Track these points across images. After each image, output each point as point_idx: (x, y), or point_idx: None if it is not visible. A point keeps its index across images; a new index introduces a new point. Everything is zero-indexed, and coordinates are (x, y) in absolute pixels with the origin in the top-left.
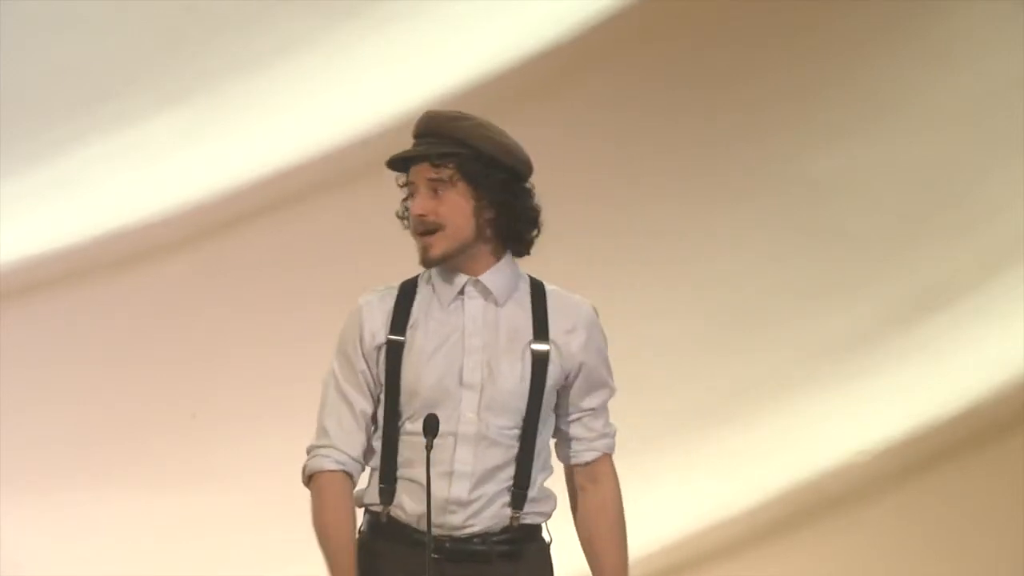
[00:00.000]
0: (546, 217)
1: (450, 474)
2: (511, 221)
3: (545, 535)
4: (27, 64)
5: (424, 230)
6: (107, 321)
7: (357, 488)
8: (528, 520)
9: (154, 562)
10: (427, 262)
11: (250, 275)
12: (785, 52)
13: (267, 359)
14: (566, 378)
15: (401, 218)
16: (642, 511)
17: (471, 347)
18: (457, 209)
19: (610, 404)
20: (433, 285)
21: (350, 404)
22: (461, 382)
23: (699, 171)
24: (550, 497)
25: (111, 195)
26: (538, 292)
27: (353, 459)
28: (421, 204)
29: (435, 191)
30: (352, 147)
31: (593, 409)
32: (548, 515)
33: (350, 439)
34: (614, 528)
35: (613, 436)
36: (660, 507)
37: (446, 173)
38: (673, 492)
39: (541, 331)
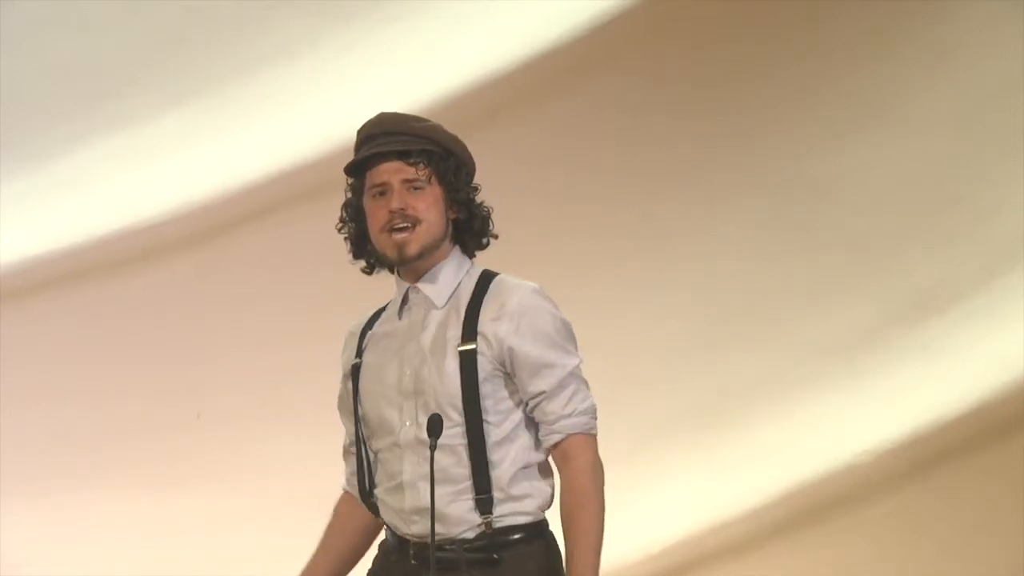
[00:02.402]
0: (547, 217)
1: (400, 485)
2: (474, 221)
3: (543, 534)
4: (29, 64)
5: (401, 225)
6: (110, 321)
7: None
8: (507, 522)
9: (158, 562)
10: (405, 258)
11: (253, 275)
12: (785, 52)
13: (271, 359)
14: (503, 365)
15: (347, 222)
16: (645, 511)
17: (407, 356)
18: (435, 206)
19: (610, 402)
20: (393, 301)
21: (346, 431)
22: (399, 391)
23: (700, 171)
24: (530, 495)
25: (113, 195)
26: (482, 284)
27: (349, 477)
28: (400, 199)
29: (410, 190)
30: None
31: (543, 392)
32: (531, 514)
33: (348, 461)
34: (574, 511)
35: (582, 414)
36: (662, 507)
37: (424, 172)
38: (675, 492)
39: (470, 326)
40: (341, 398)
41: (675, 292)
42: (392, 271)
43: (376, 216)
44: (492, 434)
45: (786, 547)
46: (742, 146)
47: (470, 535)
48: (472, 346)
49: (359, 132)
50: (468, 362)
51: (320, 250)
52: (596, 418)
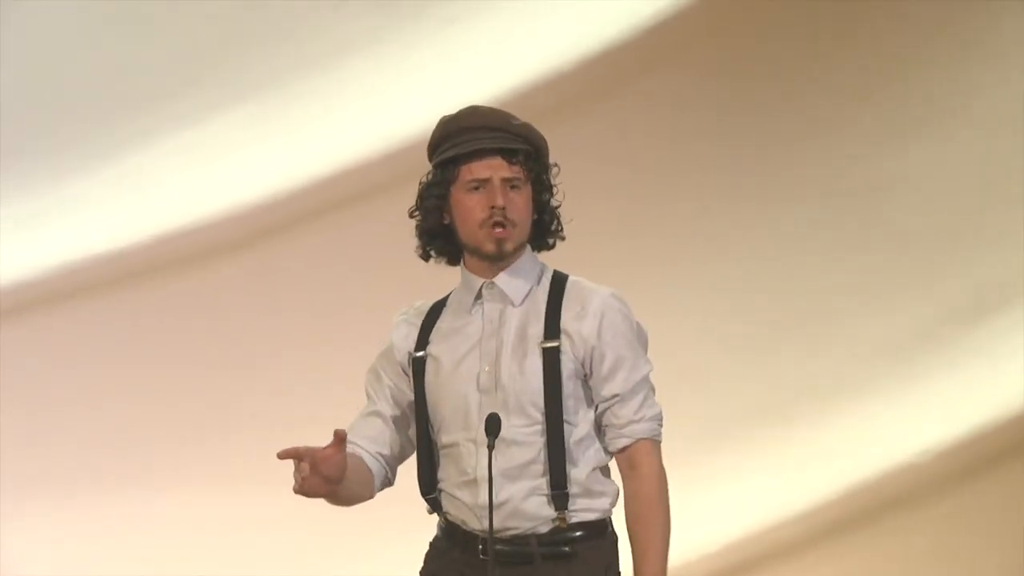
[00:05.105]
0: (608, 216)
1: (474, 480)
2: (550, 222)
3: (610, 531)
4: (89, 63)
5: (501, 221)
6: (166, 321)
7: None
8: (578, 518)
9: (199, 563)
10: (503, 253)
11: (310, 275)
12: (845, 52)
13: (322, 361)
14: (583, 365)
15: (424, 210)
16: (701, 511)
17: (486, 351)
18: (525, 210)
19: (665, 402)
20: (460, 294)
21: (369, 403)
22: (478, 388)
23: (759, 171)
24: (604, 493)
25: (172, 195)
26: (558, 285)
27: (360, 446)
28: (503, 197)
29: (509, 188)
30: (414, 146)
31: (617, 395)
32: (603, 510)
33: (362, 429)
34: (642, 517)
35: (651, 420)
36: (719, 507)
37: (522, 172)
38: (732, 492)
39: (553, 324)
40: (390, 386)
41: (730, 292)
42: (454, 264)
43: (475, 210)
44: (571, 433)
45: (844, 547)
46: (801, 146)
47: (543, 529)
48: (556, 343)
49: (447, 123)
50: (551, 359)
51: (379, 250)
52: (662, 425)
